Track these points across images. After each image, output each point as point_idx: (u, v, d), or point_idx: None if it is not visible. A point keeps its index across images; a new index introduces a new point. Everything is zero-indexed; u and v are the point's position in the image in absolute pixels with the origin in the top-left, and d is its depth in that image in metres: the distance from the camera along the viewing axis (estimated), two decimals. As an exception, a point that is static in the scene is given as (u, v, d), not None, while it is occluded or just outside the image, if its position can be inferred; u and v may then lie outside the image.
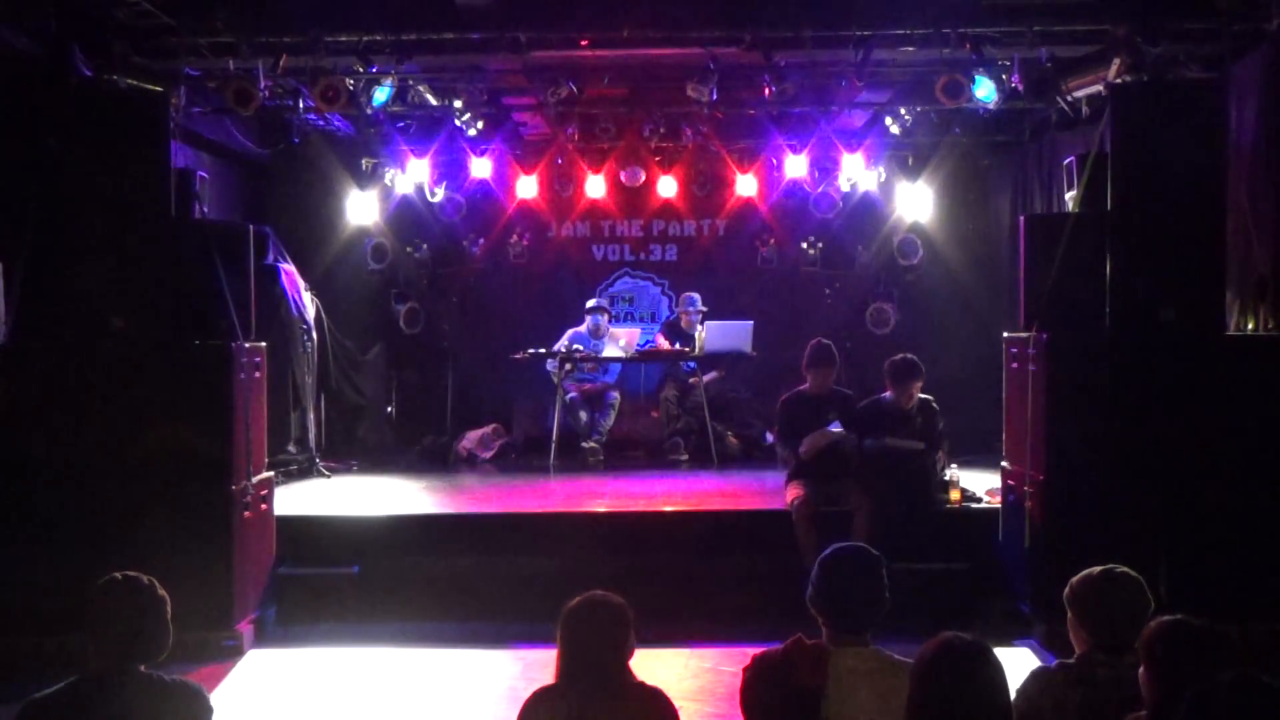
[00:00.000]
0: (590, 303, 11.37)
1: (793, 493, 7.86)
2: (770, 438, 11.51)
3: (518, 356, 11.08)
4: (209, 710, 3.61)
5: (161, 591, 3.66)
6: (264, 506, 7.54)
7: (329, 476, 10.14)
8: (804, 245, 12.34)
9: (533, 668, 6.43)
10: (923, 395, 8.06)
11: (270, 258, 10.06)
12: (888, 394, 8.10)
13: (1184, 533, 6.98)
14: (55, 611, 6.65)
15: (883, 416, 8.05)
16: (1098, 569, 3.90)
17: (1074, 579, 3.88)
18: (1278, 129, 7.41)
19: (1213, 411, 7.04)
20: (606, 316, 11.46)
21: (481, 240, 12.40)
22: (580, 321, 11.27)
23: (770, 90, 9.47)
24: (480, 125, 10.72)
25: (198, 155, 9.80)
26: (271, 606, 7.56)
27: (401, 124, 10.69)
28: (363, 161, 11.74)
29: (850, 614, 3.57)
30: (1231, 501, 7.01)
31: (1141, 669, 3.16)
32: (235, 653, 6.94)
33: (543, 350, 11.05)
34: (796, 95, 9.81)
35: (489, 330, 12.26)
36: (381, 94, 8.95)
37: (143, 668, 3.57)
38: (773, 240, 12.43)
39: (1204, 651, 3.04)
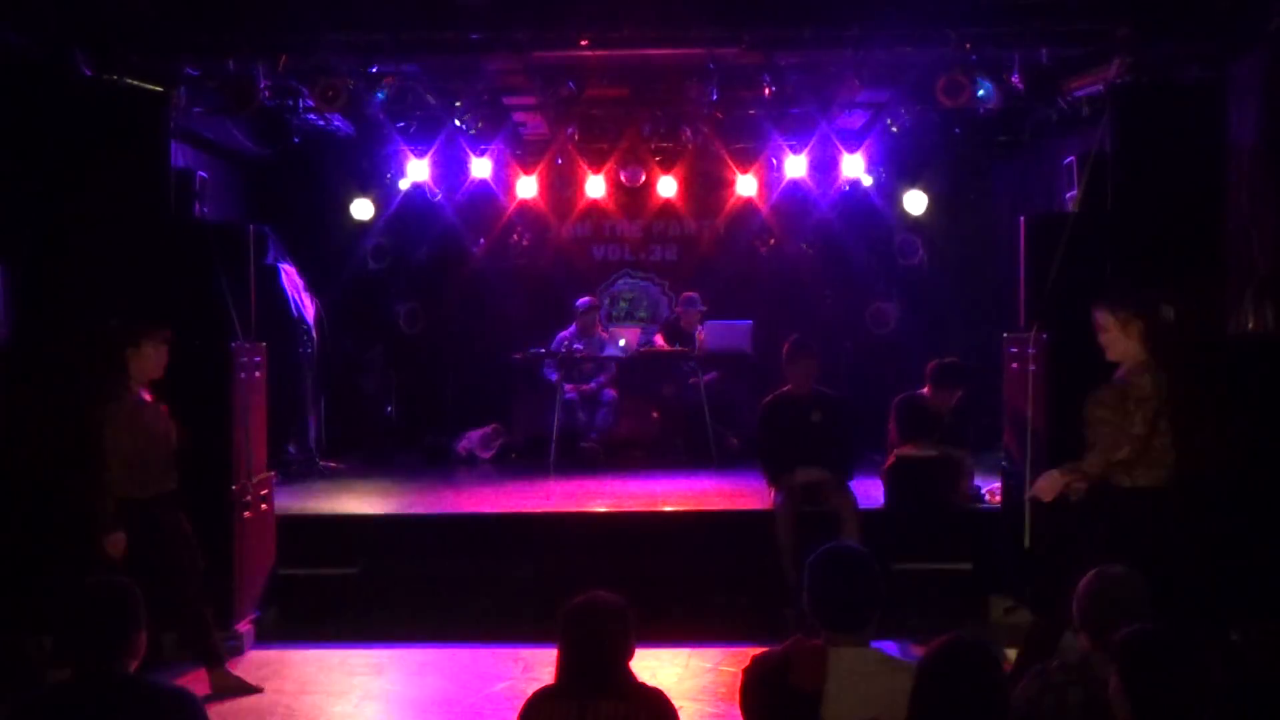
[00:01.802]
0: (580, 302, 11.36)
1: (775, 494, 7.82)
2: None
3: (517, 356, 11.08)
4: (202, 716, 3.57)
5: (138, 594, 3.62)
6: (264, 506, 7.54)
7: (329, 476, 10.15)
8: (804, 245, 12.34)
9: (533, 668, 6.44)
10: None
11: (270, 258, 10.06)
12: (925, 391, 8.12)
13: (1183, 532, 6.97)
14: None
15: (918, 416, 8.06)
16: (1097, 569, 3.90)
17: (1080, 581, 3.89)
18: (1277, 129, 7.41)
19: (1212, 411, 7.04)
20: (598, 313, 11.45)
21: (481, 240, 12.40)
22: (570, 324, 11.27)
23: (770, 90, 9.46)
24: (480, 125, 10.71)
25: (198, 155, 9.80)
26: (271, 606, 7.56)
27: (401, 124, 10.68)
28: (363, 161, 11.74)
29: (845, 614, 3.57)
30: (1231, 502, 7.02)
31: (1113, 678, 3.14)
32: (235, 653, 6.94)
33: (542, 350, 11.05)
34: (796, 95, 9.82)
35: (489, 330, 12.25)
36: (381, 94, 8.94)
37: (130, 671, 3.53)
38: (773, 240, 12.43)
39: (1175, 659, 3.03)
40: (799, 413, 7.99)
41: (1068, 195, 7.74)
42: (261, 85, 8.13)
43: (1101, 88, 7.73)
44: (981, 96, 8.43)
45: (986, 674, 3.02)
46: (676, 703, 3.59)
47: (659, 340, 11.51)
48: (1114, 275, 7.16)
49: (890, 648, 3.69)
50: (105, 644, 3.47)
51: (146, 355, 6.15)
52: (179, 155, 7.61)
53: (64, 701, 3.42)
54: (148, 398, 6.21)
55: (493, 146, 11.39)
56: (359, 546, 8.00)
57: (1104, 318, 5.65)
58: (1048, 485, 5.55)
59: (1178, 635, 3.14)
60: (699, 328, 10.98)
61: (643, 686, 3.56)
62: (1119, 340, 5.61)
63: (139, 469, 6.05)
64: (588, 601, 3.58)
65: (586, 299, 11.46)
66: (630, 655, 3.57)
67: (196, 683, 6.21)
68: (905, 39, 8.15)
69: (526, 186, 11.90)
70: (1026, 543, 7.16)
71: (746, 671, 3.61)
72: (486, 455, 11.22)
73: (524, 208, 12.19)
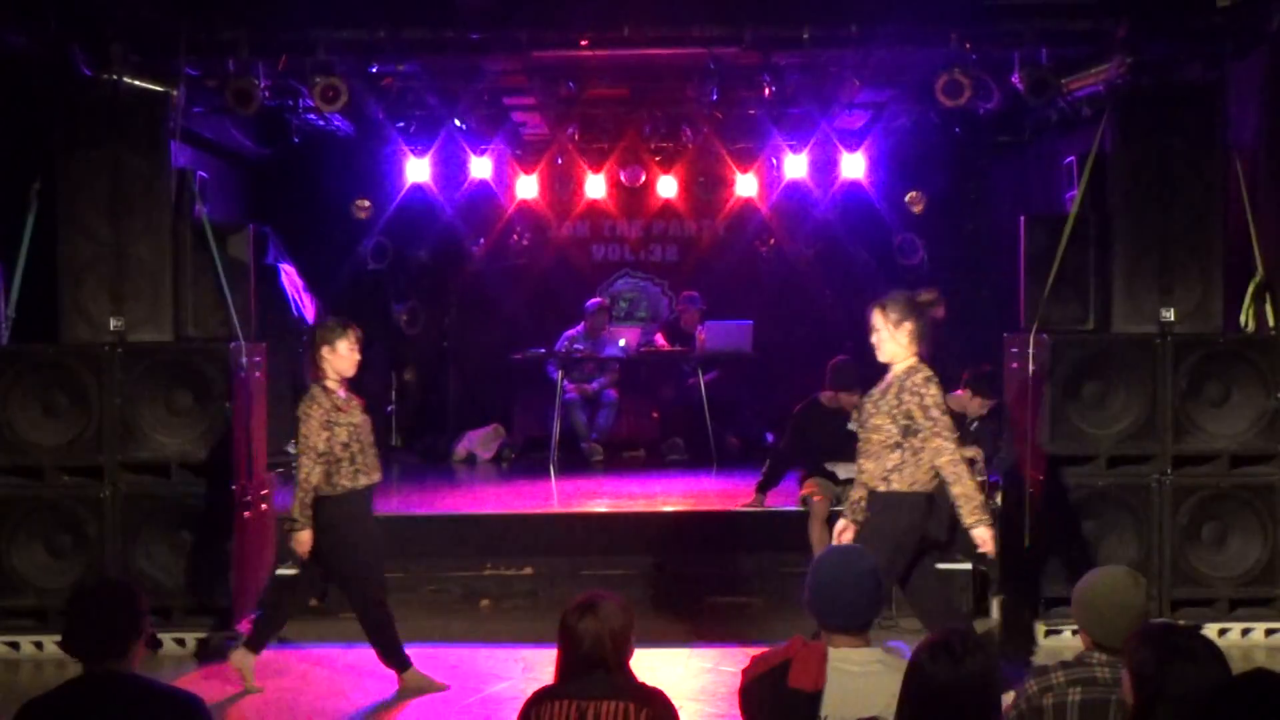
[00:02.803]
0: (589, 303, 11.37)
1: (808, 489, 7.87)
2: (770, 438, 11.51)
3: (518, 356, 11.08)
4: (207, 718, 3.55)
5: (138, 594, 3.60)
6: (264, 506, 7.54)
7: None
8: (804, 245, 12.33)
9: (533, 668, 6.43)
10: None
11: (270, 258, 10.06)
12: (958, 393, 8.13)
13: (1184, 533, 6.99)
14: (57, 610, 6.68)
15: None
16: (1097, 569, 3.91)
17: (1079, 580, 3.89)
18: (1277, 129, 7.41)
19: (1213, 411, 7.05)
20: (607, 315, 11.45)
21: (481, 240, 12.39)
22: (576, 323, 11.26)
23: (770, 90, 9.45)
24: (480, 125, 10.69)
25: (198, 155, 9.79)
26: (271, 606, 7.56)
27: (401, 124, 10.69)
28: (363, 161, 11.72)
29: (845, 614, 3.56)
30: (1231, 502, 7.03)
31: (1124, 673, 3.15)
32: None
33: (542, 350, 11.06)
34: (796, 95, 9.81)
35: (489, 330, 12.25)
36: (381, 94, 8.95)
37: (135, 671, 3.51)
38: (773, 240, 12.42)
39: (1187, 658, 3.04)
40: (835, 423, 8.00)
41: (1068, 195, 7.73)
42: (261, 85, 8.13)
43: (1101, 88, 7.73)
44: (981, 96, 8.43)
45: (972, 664, 3.01)
46: (676, 703, 3.59)
47: (659, 340, 11.50)
48: (1114, 275, 7.17)
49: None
50: (105, 644, 3.46)
51: (342, 354, 6.20)
52: (179, 155, 7.60)
53: (68, 702, 3.41)
54: (342, 393, 6.25)
55: (493, 146, 11.39)
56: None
57: (875, 319, 5.68)
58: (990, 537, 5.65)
59: (1191, 633, 3.15)
60: (699, 328, 10.98)
61: (643, 686, 3.55)
62: (888, 341, 5.65)
63: (348, 462, 6.11)
64: (588, 601, 3.58)
65: (596, 300, 11.46)
66: (630, 655, 3.57)
67: (199, 683, 6.22)
68: (905, 39, 8.15)
69: (526, 186, 11.88)
70: (1026, 543, 7.18)
71: (746, 671, 3.61)
72: (486, 455, 11.22)
73: (524, 208, 12.17)
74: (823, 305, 12.25)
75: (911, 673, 3.07)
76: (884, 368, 5.56)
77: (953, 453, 5.49)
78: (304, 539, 6.08)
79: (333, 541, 6.15)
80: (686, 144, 11.62)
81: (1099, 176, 7.33)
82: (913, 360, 5.63)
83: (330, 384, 6.18)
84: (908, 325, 5.61)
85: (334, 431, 6.08)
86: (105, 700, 3.39)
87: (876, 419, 5.63)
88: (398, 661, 6.28)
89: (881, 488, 5.56)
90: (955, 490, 5.52)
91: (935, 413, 5.50)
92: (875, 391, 5.72)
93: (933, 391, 5.53)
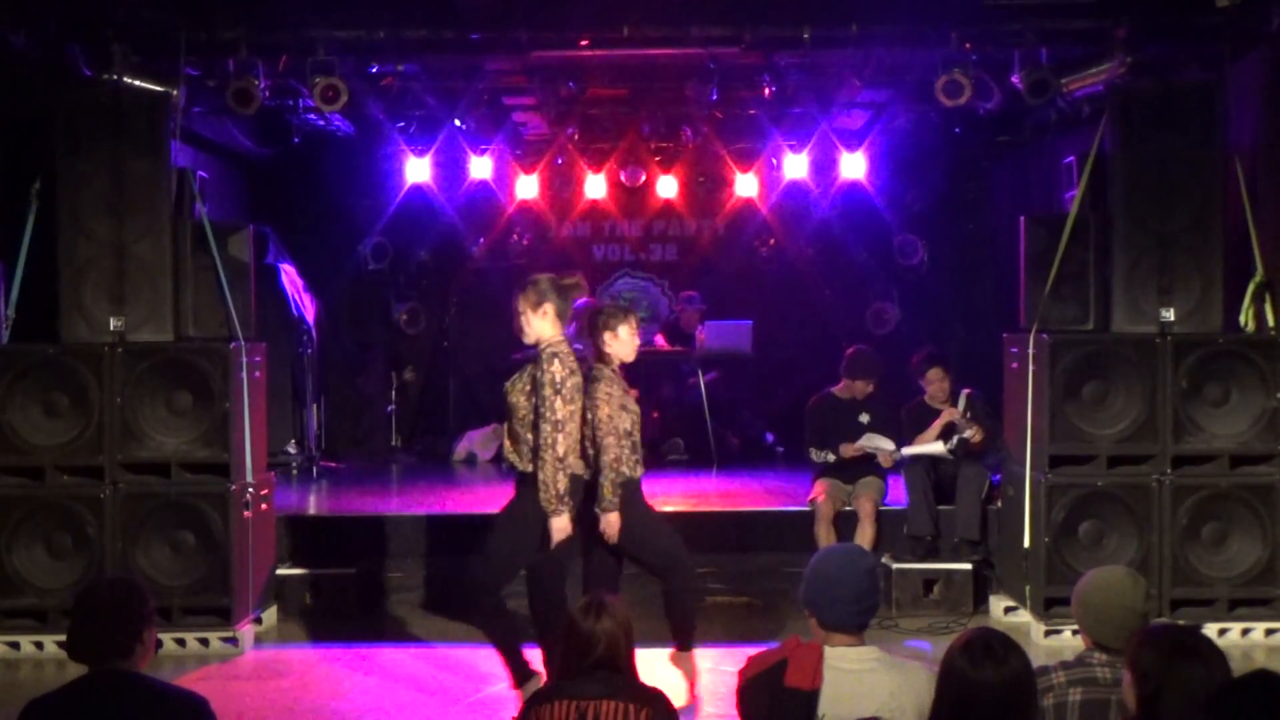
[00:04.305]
0: (577, 303, 11.35)
1: (815, 491, 7.90)
2: (770, 438, 11.52)
3: (518, 356, 11.05)
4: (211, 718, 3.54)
5: (144, 592, 3.59)
6: (264, 506, 7.53)
7: (329, 476, 10.14)
8: (804, 245, 12.34)
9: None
10: (967, 390, 8.11)
11: (270, 258, 10.07)
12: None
13: (1184, 533, 6.98)
14: (58, 610, 6.68)
15: (926, 418, 8.08)
16: (1097, 569, 3.91)
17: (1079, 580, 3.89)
18: (1277, 129, 7.41)
19: (1213, 411, 7.05)
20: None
21: (481, 240, 12.39)
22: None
23: (770, 90, 9.46)
24: (480, 125, 10.68)
25: (198, 155, 9.79)
26: (271, 606, 7.57)
27: (401, 124, 10.69)
28: (363, 161, 11.73)
29: (841, 613, 3.56)
30: (1231, 502, 7.03)
31: (1126, 674, 3.16)
32: (235, 653, 6.95)
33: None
34: (796, 95, 9.82)
35: (489, 330, 12.23)
36: (381, 94, 8.94)
37: (141, 671, 3.50)
38: (773, 240, 12.42)
39: (1190, 658, 3.04)
40: (849, 414, 8.01)
41: (1068, 195, 7.74)
42: (261, 85, 8.13)
43: (1101, 88, 7.74)
44: (981, 96, 8.43)
45: (1013, 664, 3.02)
46: (676, 703, 3.59)
47: (659, 340, 11.50)
48: (1114, 275, 7.17)
49: (891, 647, 3.69)
50: (111, 642, 3.45)
51: (624, 339, 6.14)
52: (179, 155, 7.60)
53: (73, 701, 3.41)
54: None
55: (493, 146, 11.38)
56: (359, 546, 8.00)
57: (518, 303, 5.84)
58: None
59: (1194, 633, 3.15)
60: (699, 328, 10.98)
61: (643, 687, 3.56)
62: (531, 323, 5.78)
63: (630, 450, 6.02)
64: (596, 603, 3.59)
65: (584, 300, 11.44)
66: (631, 655, 3.58)
67: (200, 682, 6.22)
68: (905, 39, 8.16)
69: (526, 186, 11.88)
70: (1026, 542, 7.18)
71: (743, 672, 3.61)
72: (486, 455, 11.21)
73: (524, 208, 12.17)
74: (823, 305, 12.24)
75: (950, 677, 3.06)
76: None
77: (549, 435, 5.49)
78: (614, 520, 5.89)
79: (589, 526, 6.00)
80: (686, 144, 11.62)
81: (1099, 176, 7.34)
82: (554, 341, 5.71)
83: (613, 368, 6.12)
84: (546, 307, 5.78)
85: (621, 417, 6.00)
86: (110, 700, 3.38)
87: (512, 397, 5.71)
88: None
89: (530, 468, 5.61)
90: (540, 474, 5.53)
91: (547, 390, 5.54)
92: (516, 373, 5.79)
93: (553, 368, 5.58)
